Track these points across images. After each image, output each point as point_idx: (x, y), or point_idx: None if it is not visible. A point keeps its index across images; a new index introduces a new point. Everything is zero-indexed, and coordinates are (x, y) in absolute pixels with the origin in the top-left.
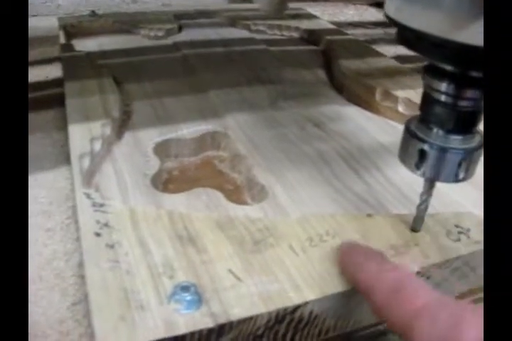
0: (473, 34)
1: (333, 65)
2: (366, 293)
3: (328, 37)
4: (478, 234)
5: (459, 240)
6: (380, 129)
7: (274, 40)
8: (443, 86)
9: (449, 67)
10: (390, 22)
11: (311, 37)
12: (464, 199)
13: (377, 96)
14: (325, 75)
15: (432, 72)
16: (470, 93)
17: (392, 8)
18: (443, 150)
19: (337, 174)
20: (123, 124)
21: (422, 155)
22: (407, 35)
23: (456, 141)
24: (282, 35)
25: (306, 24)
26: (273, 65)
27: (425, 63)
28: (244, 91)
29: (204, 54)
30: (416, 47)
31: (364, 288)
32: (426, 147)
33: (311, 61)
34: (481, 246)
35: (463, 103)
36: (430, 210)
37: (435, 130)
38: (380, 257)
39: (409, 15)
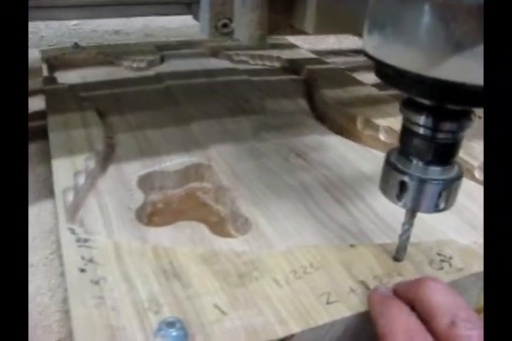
0: (449, 70)
1: (314, 95)
2: None
3: (309, 66)
4: (460, 261)
5: (441, 268)
6: (361, 158)
7: (256, 70)
8: (421, 119)
9: (426, 101)
10: (369, 58)
11: (292, 66)
12: (446, 227)
13: (359, 125)
14: (306, 105)
15: (410, 105)
16: (448, 126)
17: (370, 46)
18: (423, 182)
19: (320, 205)
20: (107, 157)
21: (403, 186)
22: (385, 72)
23: (435, 172)
24: (264, 65)
25: (287, 54)
26: (255, 95)
27: (403, 97)
28: (227, 123)
29: (187, 85)
30: (394, 83)
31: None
32: (406, 179)
33: (292, 91)
34: (464, 274)
35: (441, 135)
36: (413, 239)
37: (415, 162)
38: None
39: (387, 52)
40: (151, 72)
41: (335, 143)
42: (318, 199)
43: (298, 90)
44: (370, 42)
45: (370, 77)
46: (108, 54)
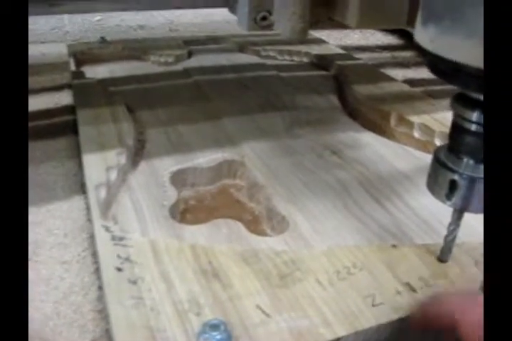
0: None
1: (345, 91)
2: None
3: (339, 62)
4: None
5: None
6: (396, 156)
7: (285, 66)
8: (474, 115)
9: (482, 97)
10: (422, 53)
11: (322, 62)
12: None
13: (392, 121)
14: (337, 101)
15: (463, 101)
16: None
17: (425, 39)
18: (474, 181)
19: (359, 203)
20: (138, 153)
21: (453, 185)
22: (442, 66)
23: None
24: (292, 61)
25: (315, 49)
26: (285, 90)
27: (455, 93)
28: (259, 119)
29: (216, 80)
30: (451, 79)
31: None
32: (456, 177)
33: (322, 87)
34: None
35: None
36: (457, 240)
37: (465, 160)
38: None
39: (445, 46)
40: (178, 67)
41: (369, 140)
42: (357, 198)
43: (328, 86)
44: (425, 35)
45: (397, 74)
46: (135, 48)
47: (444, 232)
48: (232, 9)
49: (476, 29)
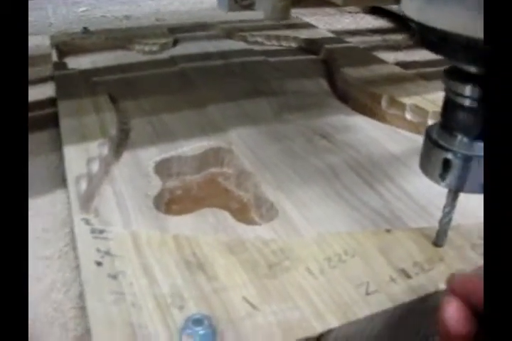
0: None
1: (335, 74)
2: None
3: (328, 46)
4: None
5: None
6: (388, 138)
7: (273, 51)
8: (467, 89)
9: (474, 70)
10: (410, 23)
11: (311, 46)
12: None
13: (383, 103)
14: (327, 85)
15: (454, 75)
16: None
17: (413, 8)
18: (469, 159)
19: (350, 188)
20: (121, 143)
21: (446, 165)
22: (430, 37)
23: (482, 148)
24: (280, 46)
25: (304, 33)
26: (273, 76)
27: (446, 66)
28: (246, 105)
29: (202, 67)
30: (440, 49)
31: None
32: (450, 156)
33: (311, 71)
34: None
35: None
36: (452, 223)
37: (459, 137)
38: None
39: (433, 14)
40: (164, 56)
41: (360, 123)
42: (347, 182)
43: (317, 70)
44: (412, 5)
45: (388, 57)
46: (118, 38)
47: (439, 215)
48: None
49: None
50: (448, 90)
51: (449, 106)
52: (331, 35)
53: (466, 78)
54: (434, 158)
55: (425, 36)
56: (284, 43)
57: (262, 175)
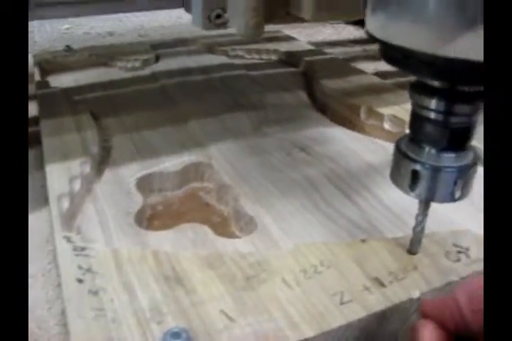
0: (462, 47)
1: (314, 86)
2: None
3: (307, 58)
4: (478, 252)
5: (458, 260)
6: (366, 149)
7: (254, 65)
8: (432, 103)
9: (437, 84)
10: (373, 40)
11: (290, 59)
12: (460, 216)
13: (362, 114)
14: (307, 97)
15: (419, 89)
16: (461, 108)
17: (375, 26)
18: (437, 170)
19: (327, 199)
20: (103, 161)
21: (415, 176)
22: (392, 54)
23: (449, 159)
24: (261, 59)
25: (284, 46)
26: (254, 90)
27: (412, 80)
28: (226, 119)
29: (183, 83)
30: (403, 65)
31: None
32: (418, 167)
33: (291, 83)
34: (482, 265)
35: (454, 119)
36: (426, 230)
37: (427, 149)
38: None
39: (393, 32)
40: (146, 72)
41: (338, 135)
42: (325, 194)
43: (297, 83)
44: (374, 23)
45: (369, 67)
46: (101, 55)
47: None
48: (187, 8)
49: (423, 14)
50: (414, 103)
51: (416, 118)
52: (310, 47)
53: (430, 92)
54: (403, 169)
55: (388, 53)
56: (265, 56)
57: (241, 188)
